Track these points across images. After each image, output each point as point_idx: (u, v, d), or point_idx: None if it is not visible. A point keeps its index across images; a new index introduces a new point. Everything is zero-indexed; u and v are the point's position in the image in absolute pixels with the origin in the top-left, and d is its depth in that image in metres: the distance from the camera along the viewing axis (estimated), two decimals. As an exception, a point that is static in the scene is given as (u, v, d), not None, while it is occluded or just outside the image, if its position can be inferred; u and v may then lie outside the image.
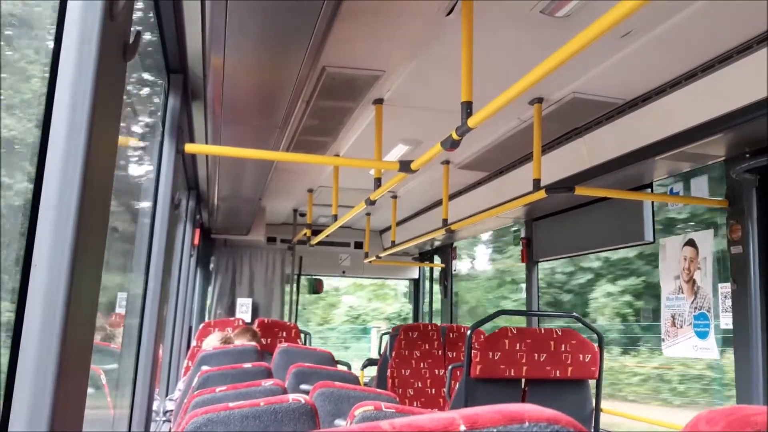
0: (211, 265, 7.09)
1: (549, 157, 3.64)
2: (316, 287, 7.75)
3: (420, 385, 5.39)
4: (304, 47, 2.20)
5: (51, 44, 0.95)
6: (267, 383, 1.97)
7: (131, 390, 2.47)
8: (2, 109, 1.14)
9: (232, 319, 6.01)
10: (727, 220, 2.99)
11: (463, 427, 0.55)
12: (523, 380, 3.48)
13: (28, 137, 1.01)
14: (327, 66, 2.82)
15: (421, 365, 5.42)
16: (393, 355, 5.39)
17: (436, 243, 6.93)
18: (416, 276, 7.87)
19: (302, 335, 5.98)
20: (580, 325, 3.71)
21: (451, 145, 2.49)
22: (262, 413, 1.57)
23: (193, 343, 5.23)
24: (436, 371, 5.44)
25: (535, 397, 3.48)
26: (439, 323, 6.48)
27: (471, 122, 2.24)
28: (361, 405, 1.51)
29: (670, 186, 3.57)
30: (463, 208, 5.02)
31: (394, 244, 5.73)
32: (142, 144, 2.91)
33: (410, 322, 7.93)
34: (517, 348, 3.38)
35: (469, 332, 3.50)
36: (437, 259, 7.32)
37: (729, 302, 2.95)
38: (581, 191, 3.25)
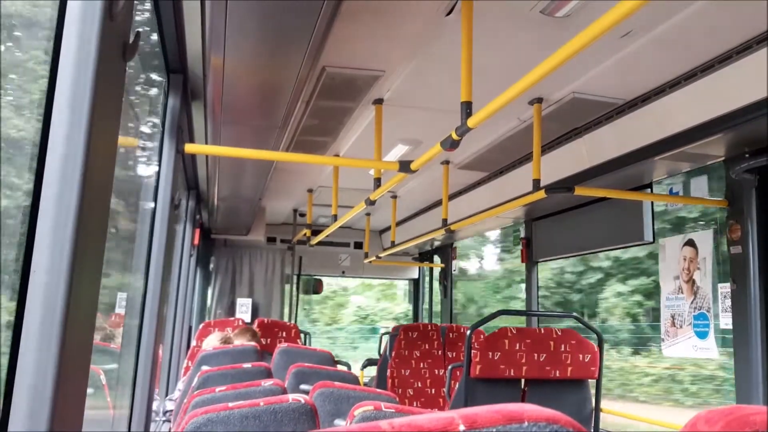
0: (211, 265, 7.09)
1: (549, 157, 3.65)
2: (315, 287, 7.76)
3: (420, 385, 5.39)
4: (304, 47, 2.20)
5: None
6: (267, 383, 1.97)
7: (131, 390, 2.46)
8: (12, 109, 1.14)
9: (232, 319, 6.01)
10: (727, 220, 2.99)
11: (462, 427, 0.55)
12: (523, 380, 3.48)
13: (38, 138, 1.01)
14: (327, 66, 2.82)
15: (421, 365, 5.41)
16: (393, 355, 5.39)
17: (436, 243, 6.93)
18: (416, 276, 7.88)
19: (302, 335, 5.97)
20: (580, 325, 3.72)
21: (450, 145, 2.49)
22: (262, 413, 1.57)
23: (193, 343, 5.23)
24: (436, 371, 5.44)
25: (534, 397, 3.47)
26: (439, 323, 6.48)
27: (471, 122, 2.24)
28: (360, 405, 1.51)
29: (670, 186, 3.57)
30: (462, 208, 5.02)
31: (393, 244, 5.73)
32: (150, 144, 2.91)
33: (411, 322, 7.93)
34: (517, 348, 3.37)
35: (468, 332, 3.49)
36: (437, 259, 7.32)
37: (728, 302, 2.95)
38: (581, 191, 3.25)
